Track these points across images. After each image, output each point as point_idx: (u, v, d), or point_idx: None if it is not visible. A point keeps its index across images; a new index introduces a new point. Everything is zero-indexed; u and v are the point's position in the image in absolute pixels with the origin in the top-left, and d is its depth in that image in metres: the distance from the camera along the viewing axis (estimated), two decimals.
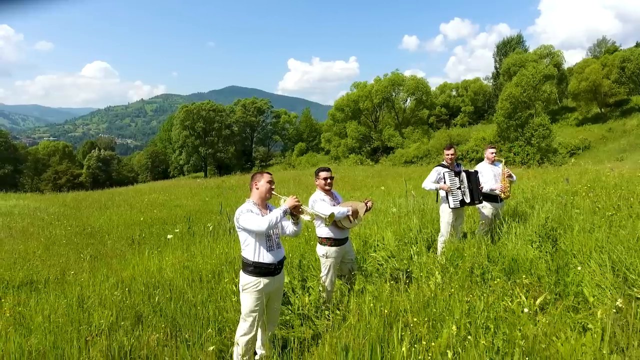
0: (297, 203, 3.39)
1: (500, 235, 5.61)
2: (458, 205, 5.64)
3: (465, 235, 6.01)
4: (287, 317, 4.21)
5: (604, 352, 2.47)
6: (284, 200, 3.43)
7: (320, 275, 4.44)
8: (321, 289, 4.29)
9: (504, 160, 6.44)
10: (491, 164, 6.38)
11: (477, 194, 5.80)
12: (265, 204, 3.52)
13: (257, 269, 3.38)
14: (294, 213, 3.46)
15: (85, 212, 14.93)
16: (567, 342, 2.56)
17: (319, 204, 4.23)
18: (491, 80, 57.73)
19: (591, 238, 4.45)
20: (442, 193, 5.78)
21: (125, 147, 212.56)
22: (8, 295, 5.17)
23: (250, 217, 3.31)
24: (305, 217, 3.63)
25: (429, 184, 5.82)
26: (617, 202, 6.36)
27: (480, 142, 31.54)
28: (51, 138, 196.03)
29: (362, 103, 42.73)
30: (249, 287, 3.38)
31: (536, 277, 4.00)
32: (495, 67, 54.71)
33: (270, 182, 3.49)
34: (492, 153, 6.36)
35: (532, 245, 4.73)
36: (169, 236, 7.73)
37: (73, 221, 12.24)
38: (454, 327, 2.78)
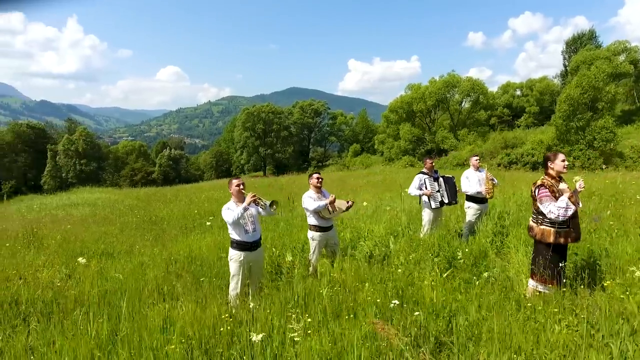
0: (253, 198, 4.68)
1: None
2: (438, 206, 6.71)
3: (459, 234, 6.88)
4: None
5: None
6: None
7: (309, 254, 5.72)
8: (309, 263, 5.52)
9: (487, 167, 7.37)
10: (476, 170, 7.26)
11: (454, 196, 6.82)
12: (242, 198, 4.83)
13: (239, 246, 4.79)
14: (257, 203, 4.79)
15: (153, 205, 17.31)
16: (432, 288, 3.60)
17: (305, 200, 5.55)
18: (559, 79, 54.50)
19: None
20: (425, 197, 6.79)
21: (194, 146, 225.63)
22: (94, 259, 7.04)
23: (225, 212, 4.76)
24: (262, 206, 4.90)
25: (413, 190, 6.87)
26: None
27: (537, 146, 30.38)
28: (129, 138, 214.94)
29: (415, 105, 42.68)
30: (233, 258, 4.83)
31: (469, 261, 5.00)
32: (564, 65, 51.63)
33: (238, 185, 4.85)
34: (477, 160, 7.37)
35: (486, 240, 5.58)
36: (208, 223, 9.42)
37: (142, 212, 14.53)
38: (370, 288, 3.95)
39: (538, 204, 4.20)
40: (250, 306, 3.82)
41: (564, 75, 50.06)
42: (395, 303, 3.33)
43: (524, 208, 7.90)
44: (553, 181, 4.23)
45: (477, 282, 4.16)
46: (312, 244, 5.70)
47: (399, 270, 4.54)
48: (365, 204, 10.28)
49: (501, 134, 36.14)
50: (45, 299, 4.60)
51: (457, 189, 7.08)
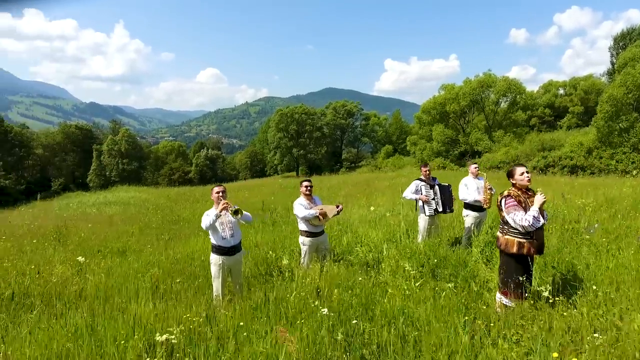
0: (224, 206, 4.86)
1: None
2: (433, 213, 6.62)
3: (458, 242, 6.79)
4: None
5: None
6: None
7: (301, 258, 5.77)
8: (300, 267, 5.66)
9: (485, 175, 7.19)
10: (475, 177, 7.12)
11: (449, 205, 6.78)
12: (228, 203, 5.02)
13: (218, 250, 5.03)
14: (229, 211, 4.91)
15: (180, 204, 18.06)
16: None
17: (296, 207, 5.70)
18: (606, 77, 51.45)
19: None
20: (420, 203, 6.71)
21: (231, 146, 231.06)
22: (108, 256, 7.53)
23: (203, 218, 4.99)
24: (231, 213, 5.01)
25: (408, 194, 6.81)
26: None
27: (576, 148, 28.90)
28: (170, 138, 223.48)
29: (448, 106, 41.74)
30: (213, 261, 5.08)
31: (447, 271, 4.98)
32: (612, 63, 48.73)
33: (218, 192, 5.07)
34: (476, 168, 7.21)
35: (477, 249, 5.47)
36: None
37: (168, 211, 15.20)
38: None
39: (504, 214, 4.15)
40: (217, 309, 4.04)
41: (611, 73, 47.22)
42: (324, 312, 3.39)
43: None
44: (520, 192, 4.16)
45: (443, 293, 4.14)
46: (303, 249, 5.89)
47: (372, 277, 4.61)
48: (372, 208, 10.27)
49: (538, 136, 34.68)
50: (51, 292, 5.05)
51: (454, 197, 6.98)
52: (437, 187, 6.84)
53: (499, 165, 34.22)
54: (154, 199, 19.99)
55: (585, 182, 16.04)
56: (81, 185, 55.12)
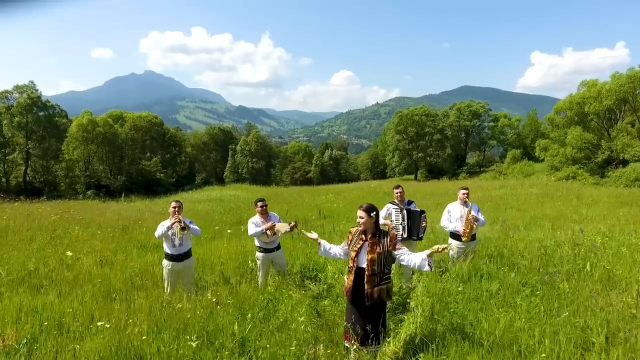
0: (175, 220, 5.61)
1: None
2: (400, 239, 6.16)
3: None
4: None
5: None
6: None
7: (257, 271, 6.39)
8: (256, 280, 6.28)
9: (470, 208, 6.36)
10: (463, 204, 6.41)
11: (416, 232, 6.15)
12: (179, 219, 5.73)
13: (167, 256, 5.81)
14: (180, 225, 5.60)
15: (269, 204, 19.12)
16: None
17: (249, 224, 6.14)
18: None
19: None
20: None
21: (360, 146, 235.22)
22: (139, 251, 9.09)
23: (157, 228, 5.74)
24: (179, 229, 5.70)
25: (380, 218, 6.54)
26: None
27: None
28: (304, 138, 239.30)
29: (587, 105, 35.85)
30: (164, 265, 5.88)
31: None
32: None
33: (175, 207, 5.76)
34: (464, 194, 6.41)
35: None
36: (229, 231, 10.55)
37: (243, 212, 15.90)
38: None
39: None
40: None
41: None
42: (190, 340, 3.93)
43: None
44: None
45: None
46: (258, 264, 6.34)
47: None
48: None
49: None
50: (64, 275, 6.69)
51: (425, 224, 6.23)
52: (404, 211, 6.30)
53: None
54: (246, 197, 21.89)
55: None
56: (220, 180, 63.65)
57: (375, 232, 3.91)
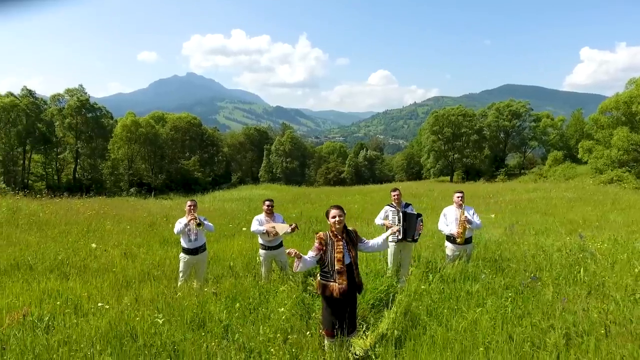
0: (190, 218, 6.26)
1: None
2: (396, 240, 6.32)
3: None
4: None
5: None
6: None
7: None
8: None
9: (464, 209, 6.52)
10: (458, 207, 6.56)
11: (411, 233, 6.23)
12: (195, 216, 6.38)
13: (184, 250, 6.43)
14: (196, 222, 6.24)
15: (295, 204, 19.39)
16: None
17: (253, 222, 6.65)
18: None
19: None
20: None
21: (397, 147, 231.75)
22: (159, 245, 9.85)
23: (175, 225, 6.43)
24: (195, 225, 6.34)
25: (378, 219, 6.71)
26: None
27: None
28: (340, 138, 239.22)
29: (635, 105, 33.88)
30: (181, 258, 6.48)
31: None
32: None
33: (190, 205, 6.40)
34: (458, 197, 6.58)
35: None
36: (244, 229, 11.05)
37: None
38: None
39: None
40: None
41: None
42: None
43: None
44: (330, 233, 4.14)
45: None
46: (260, 260, 6.79)
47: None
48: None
49: None
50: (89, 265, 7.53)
51: (421, 226, 6.40)
52: (400, 213, 6.39)
53: None
54: (280, 198, 22.46)
55: None
56: (255, 179, 65.23)
57: (344, 229, 4.18)
